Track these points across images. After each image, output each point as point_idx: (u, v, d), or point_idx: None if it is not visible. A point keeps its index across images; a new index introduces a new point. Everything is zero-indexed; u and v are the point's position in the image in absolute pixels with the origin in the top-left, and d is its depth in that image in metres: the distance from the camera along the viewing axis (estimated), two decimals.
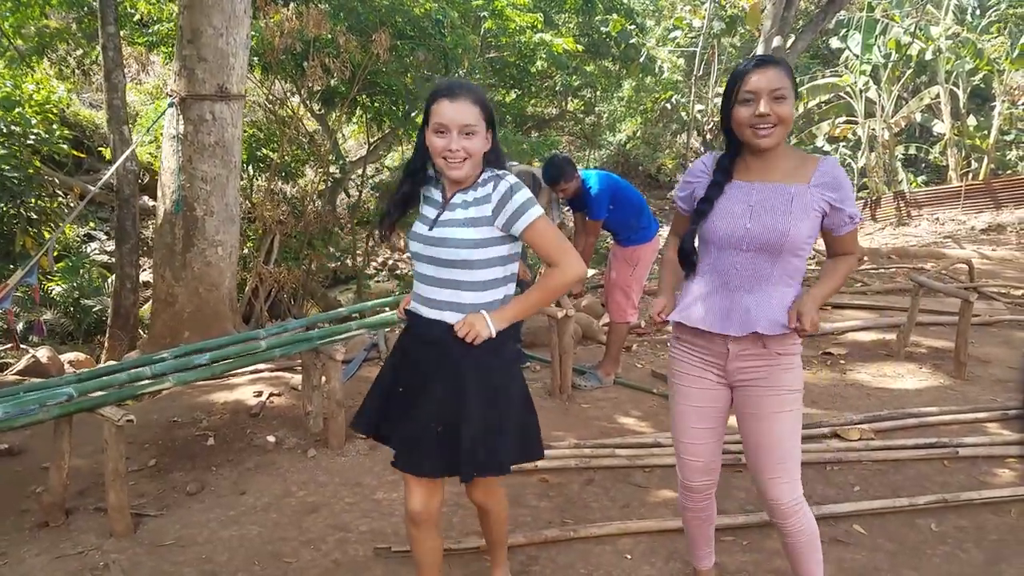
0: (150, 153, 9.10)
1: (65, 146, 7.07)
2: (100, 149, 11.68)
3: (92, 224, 11.95)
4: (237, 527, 3.04)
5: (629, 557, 2.82)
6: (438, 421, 2.07)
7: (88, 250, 11.45)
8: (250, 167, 8.60)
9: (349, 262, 10.43)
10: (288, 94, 9.62)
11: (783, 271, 2.08)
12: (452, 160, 1.99)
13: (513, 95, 12.45)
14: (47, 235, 6.76)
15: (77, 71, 12.63)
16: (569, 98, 14.77)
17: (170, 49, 8.07)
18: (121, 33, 7.46)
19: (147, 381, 3.36)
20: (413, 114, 9.52)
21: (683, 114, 15.58)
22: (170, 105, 5.02)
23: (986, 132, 17.96)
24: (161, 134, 5.50)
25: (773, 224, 2.02)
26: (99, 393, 3.15)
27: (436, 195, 2.14)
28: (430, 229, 2.07)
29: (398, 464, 2.13)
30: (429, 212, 2.12)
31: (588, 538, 2.96)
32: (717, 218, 2.10)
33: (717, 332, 2.12)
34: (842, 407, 4.49)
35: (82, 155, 10.73)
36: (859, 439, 3.87)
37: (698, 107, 13.89)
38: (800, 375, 2.15)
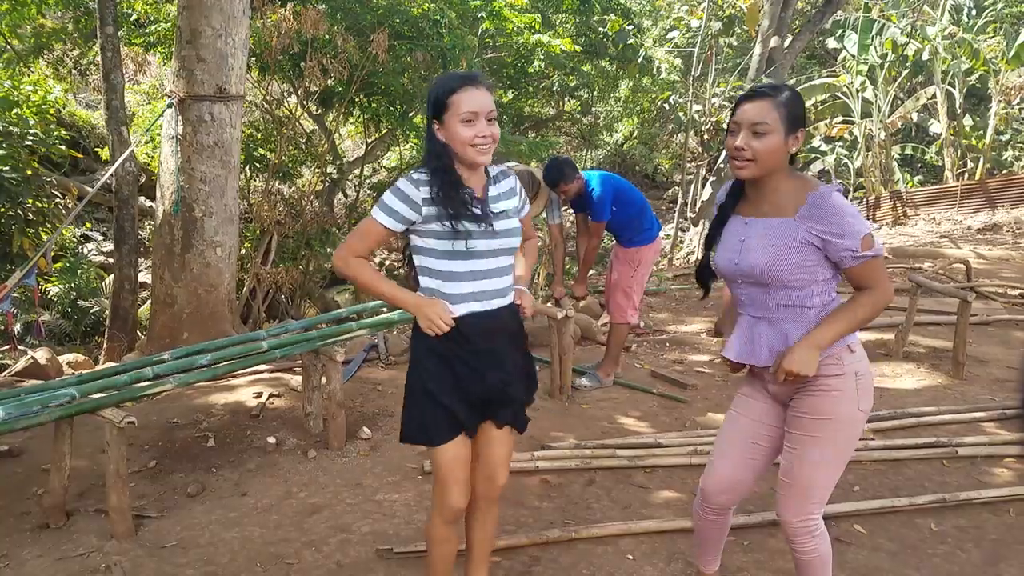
0: (147, 154, 9.08)
1: (62, 147, 7.05)
2: (97, 150, 11.66)
3: (89, 225, 11.92)
4: (239, 528, 3.04)
5: (631, 558, 2.83)
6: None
7: (85, 251, 11.43)
8: (247, 168, 8.59)
9: None
10: (286, 94, 9.61)
11: (783, 301, 2.08)
12: (483, 146, 2.03)
13: (511, 95, 12.44)
14: (44, 236, 6.75)
15: (74, 71, 12.59)
16: (566, 98, 14.76)
17: (168, 50, 8.06)
18: (119, 34, 7.45)
19: (148, 383, 3.36)
20: (411, 114, 9.51)
21: (680, 114, 15.58)
22: (169, 106, 5.01)
23: (982, 132, 17.99)
24: (159, 135, 5.49)
25: (754, 260, 2.06)
26: (100, 395, 3.15)
27: (463, 194, 2.08)
28: (491, 225, 2.08)
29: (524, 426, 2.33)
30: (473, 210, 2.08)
31: (590, 539, 2.97)
32: (719, 251, 2.20)
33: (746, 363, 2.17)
34: None
35: (79, 156, 10.70)
36: (859, 439, 3.88)
37: (696, 108, 13.91)
38: (839, 402, 2.06)
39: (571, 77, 12.69)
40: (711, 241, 2.22)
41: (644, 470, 3.60)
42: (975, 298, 5.53)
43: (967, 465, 3.68)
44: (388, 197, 2.06)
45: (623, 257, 4.80)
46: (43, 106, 7.32)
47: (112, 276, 7.28)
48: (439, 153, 2.06)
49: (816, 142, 19.31)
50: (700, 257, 2.27)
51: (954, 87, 17.43)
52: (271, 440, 3.89)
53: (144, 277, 8.19)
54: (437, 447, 2.16)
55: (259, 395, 4.51)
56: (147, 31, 8.34)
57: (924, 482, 3.50)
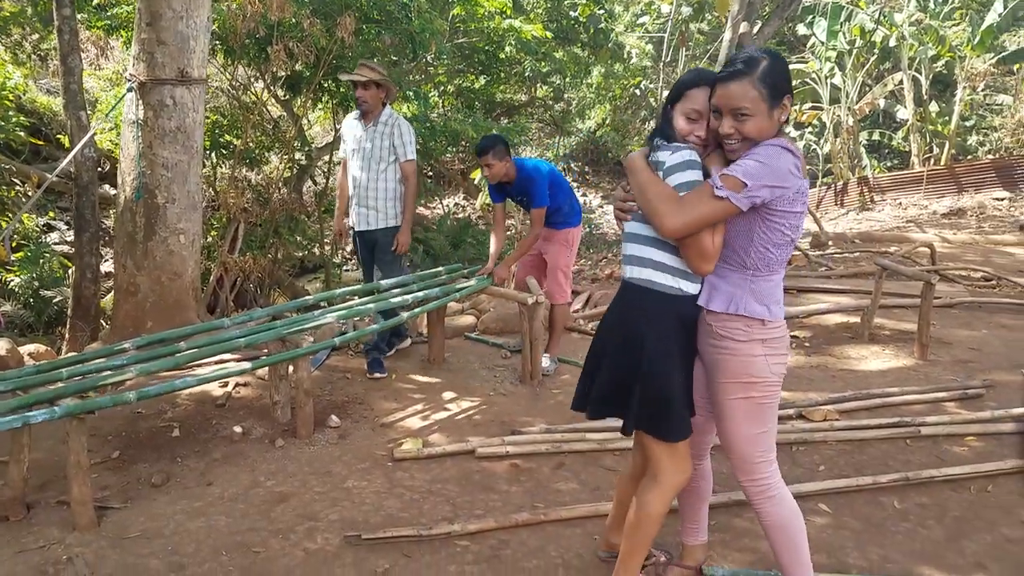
0: (110, 139, 8.88)
1: (22, 133, 6.87)
2: (59, 136, 11.39)
3: (52, 214, 11.66)
4: (204, 518, 3.00)
5: (599, 538, 2.84)
6: None
7: (48, 240, 11.18)
8: (213, 154, 8.44)
9: (316, 251, 10.31)
10: (252, 79, 9.45)
11: (722, 255, 2.10)
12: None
13: (482, 81, 12.38)
14: (3, 225, 6.59)
15: (34, 56, 12.27)
16: (538, 84, 14.71)
17: (130, 33, 7.87)
18: (79, 16, 7.26)
19: (108, 372, 3.29)
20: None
21: (652, 100, 15.61)
22: (129, 90, 4.89)
23: (947, 118, 18.25)
24: (121, 120, 5.36)
25: None
26: (59, 385, 3.08)
27: None
28: None
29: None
30: None
31: (558, 521, 2.97)
32: None
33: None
34: (808, 389, 4.55)
35: (40, 143, 10.44)
36: (824, 420, 3.93)
37: (666, 93, 13.97)
38: (746, 364, 2.10)
39: (543, 63, 12.64)
40: None
41: (613, 453, 3.62)
42: (939, 281, 5.61)
43: (930, 444, 3.74)
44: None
45: (558, 239, 4.84)
46: (2, 92, 7.13)
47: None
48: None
49: (787, 128, 19.43)
50: None
51: (920, 73, 17.65)
52: (237, 429, 3.84)
53: (107, 266, 8.04)
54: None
55: (225, 384, 4.45)
56: (108, 14, 8.13)
57: (888, 461, 3.55)
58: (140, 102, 4.84)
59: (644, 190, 2.09)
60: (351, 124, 4.83)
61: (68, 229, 11.46)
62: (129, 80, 4.87)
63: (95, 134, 6.47)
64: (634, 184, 2.14)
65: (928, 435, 3.79)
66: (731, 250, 2.09)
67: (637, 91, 16.37)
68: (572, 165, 19.56)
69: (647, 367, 2.15)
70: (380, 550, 2.76)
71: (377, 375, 4.66)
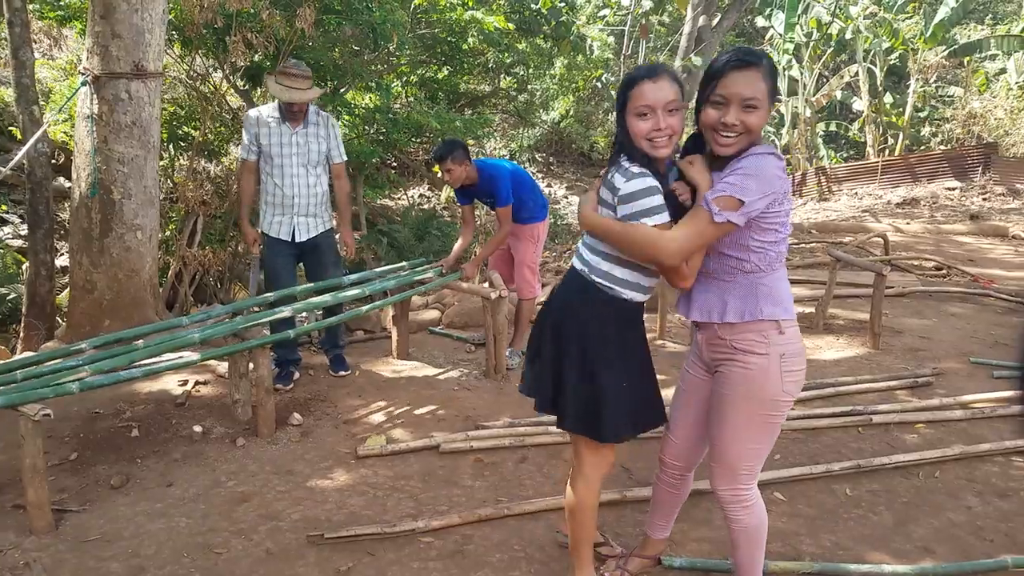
0: (65, 132, 8.66)
1: None
2: (12, 129, 11.07)
3: (4, 207, 11.34)
4: (164, 519, 2.98)
5: (560, 531, 2.88)
6: None
7: (1, 235, 10.88)
8: (171, 146, 8.28)
9: None
10: (210, 69, 9.29)
11: (719, 264, 2.09)
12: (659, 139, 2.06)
13: (445, 72, 12.31)
14: None
15: None
16: (502, 75, 14.68)
17: (84, 23, 7.68)
18: (31, 7, 7.06)
19: (63, 372, 3.23)
20: (343, 91, 9.32)
21: (614, 93, 15.68)
22: (83, 84, 4.79)
23: (901, 109, 18.67)
24: (75, 113, 5.24)
25: None
26: (12, 386, 3.03)
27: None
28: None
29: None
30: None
31: (522, 515, 3.01)
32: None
33: (681, 315, 2.23)
34: None
35: None
36: None
37: None
38: (760, 381, 2.06)
39: (506, 54, 12.62)
40: (679, 212, 2.04)
41: None
42: (891, 270, 5.76)
43: (881, 432, 3.86)
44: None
45: (524, 234, 4.87)
46: None
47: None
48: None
49: None
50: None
51: (875, 65, 18.00)
52: (197, 429, 3.81)
53: (63, 262, 7.86)
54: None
55: (184, 383, 4.40)
56: (61, 4, 7.92)
57: (841, 449, 3.66)
58: (95, 96, 4.74)
59: (624, 238, 2.03)
60: (269, 125, 4.24)
61: (21, 223, 11.16)
62: (83, 74, 4.76)
63: (48, 127, 6.31)
64: (607, 238, 2.08)
65: (880, 423, 3.92)
66: (731, 260, 2.05)
67: (599, 83, 16.42)
68: (537, 156, 19.59)
69: (580, 365, 2.16)
70: (343, 549, 2.77)
71: (342, 373, 4.65)
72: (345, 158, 4.51)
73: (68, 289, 5.32)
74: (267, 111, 4.29)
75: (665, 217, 2.00)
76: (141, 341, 3.63)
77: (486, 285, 4.78)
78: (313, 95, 4.23)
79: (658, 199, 2.00)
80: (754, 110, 1.90)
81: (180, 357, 3.60)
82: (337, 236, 4.78)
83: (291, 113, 4.22)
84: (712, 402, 2.20)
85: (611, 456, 2.31)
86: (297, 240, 4.37)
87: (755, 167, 1.94)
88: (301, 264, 4.66)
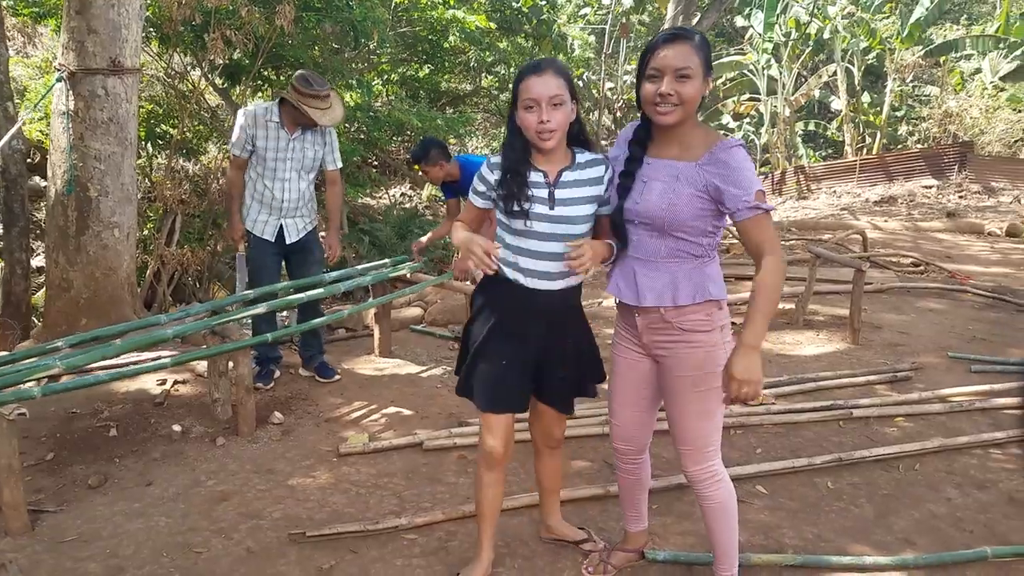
0: (39, 130, 8.54)
1: None
2: None
3: None
4: (143, 519, 2.94)
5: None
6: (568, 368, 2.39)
7: None
8: (149, 145, 8.20)
9: None
10: (189, 67, 9.20)
11: (673, 246, 2.10)
12: (545, 133, 2.12)
13: (427, 70, 12.28)
14: None
15: None
16: (483, 74, 14.67)
17: (59, 20, 7.57)
18: (4, 3, 6.95)
19: (36, 371, 3.18)
20: None
21: (594, 92, 15.73)
22: (59, 79, 4.72)
23: (879, 108, 18.88)
24: (51, 110, 5.17)
25: (655, 201, 2.06)
26: None
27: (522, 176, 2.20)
28: (551, 208, 2.18)
29: (565, 409, 2.48)
30: (537, 191, 2.19)
31: (505, 510, 2.99)
32: (619, 191, 2.17)
33: (622, 301, 2.24)
34: None
35: None
36: (761, 404, 4.05)
37: (608, 85, 14.06)
38: (710, 354, 2.13)
39: (487, 53, 12.61)
40: (625, 189, 2.15)
41: None
42: (870, 267, 5.82)
43: (861, 425, 3.89)
44: (475, 179, 2.32)
45: None
46: None
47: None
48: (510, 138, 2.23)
49: (725, 119, 19.85)
50: (612, 210, 2.20)
51: (853, 65, 18.18)
52: (177, 428, 3.77)
53: (39, 261, 7.76)
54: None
55: (163, 382, 4.35)
56: (35, 1, 7.81)
57: (822, 443, 3.69)
58: (70, 92, 4.67)
59: (776, 297, 2.10)
60: (268, 128, 4.13)
61: None
62: (59, 70, 4.69)
63: (23, 125, 6.21)
64: (771, 315, 2.14)
65: (860, 417, 3.95)
66: (687, 245, 2.09)
67: (580, 82, 16.47)
68: None
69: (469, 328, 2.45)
70: (325, 547, 2.75)
71: (329, 379, 4.58)
72: (340, 165, 4.44)
73: (44, 288, 5.25)
74: (263, 111, 4.15)
75: (478, 200, 2.33)
76: (119, 340, 3.58)
77: (468, 283, 4.77)
78: (342, 112, 4.24)
79: (479, 185, 2.30)
80: (688, 79, 1.97)
81: (158, 358, 3.56)
82: (322, 235, 4.74)
83: (301, 124, 4.15)
84: (666, 390, 2.23)
85: (498, 438, 2.41)
86: (286, 242, 4.32)
87: (736, 160, 2.00)
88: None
